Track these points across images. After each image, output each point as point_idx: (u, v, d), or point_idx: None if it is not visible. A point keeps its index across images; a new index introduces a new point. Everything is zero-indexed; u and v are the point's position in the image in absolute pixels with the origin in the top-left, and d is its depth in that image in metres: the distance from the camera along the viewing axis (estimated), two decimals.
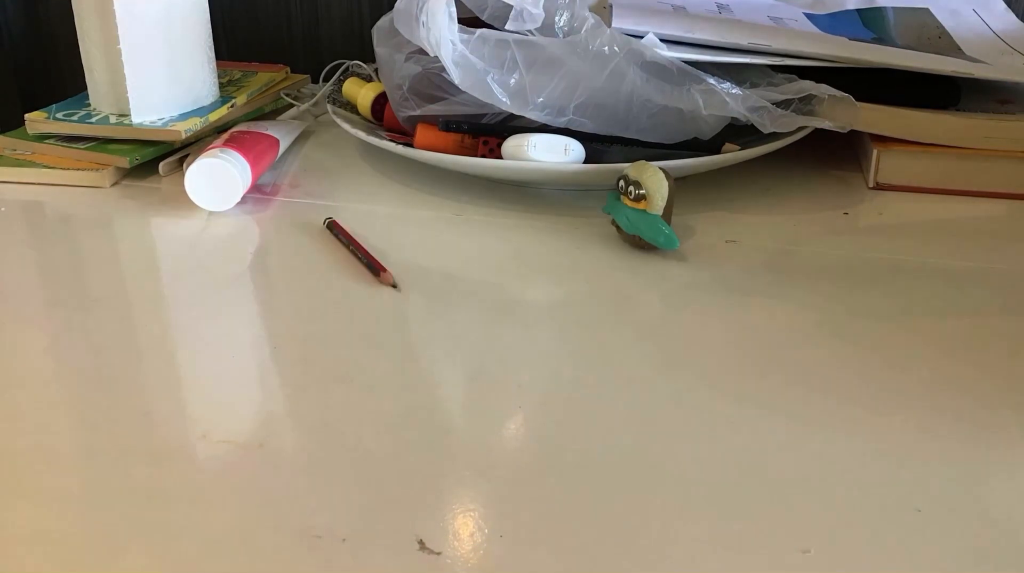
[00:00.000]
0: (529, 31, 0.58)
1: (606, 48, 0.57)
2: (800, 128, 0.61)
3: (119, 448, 0.37)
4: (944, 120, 0.63)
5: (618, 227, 0.55)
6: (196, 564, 0.31)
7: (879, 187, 0.64)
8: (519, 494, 0.34)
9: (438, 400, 0.40)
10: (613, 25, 0.62)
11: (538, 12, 0.58)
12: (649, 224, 0.53)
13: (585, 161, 0.59)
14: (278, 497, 0.34)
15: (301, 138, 0.75)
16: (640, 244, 0.54)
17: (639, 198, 0.52)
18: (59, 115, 0.69)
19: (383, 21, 0.66)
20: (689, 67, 0.59)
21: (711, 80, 0.58)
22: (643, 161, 0.54)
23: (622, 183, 0.53)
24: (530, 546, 0.32)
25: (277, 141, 0.68)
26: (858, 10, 0.78)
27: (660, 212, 0.52)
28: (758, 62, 0.62)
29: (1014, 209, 0.61)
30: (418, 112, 0.62)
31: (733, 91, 0.58)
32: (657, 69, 0.58)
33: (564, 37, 0.59)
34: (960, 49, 0.72)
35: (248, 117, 0.75)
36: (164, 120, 0.68)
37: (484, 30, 0.57)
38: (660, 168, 0.53)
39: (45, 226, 0.59)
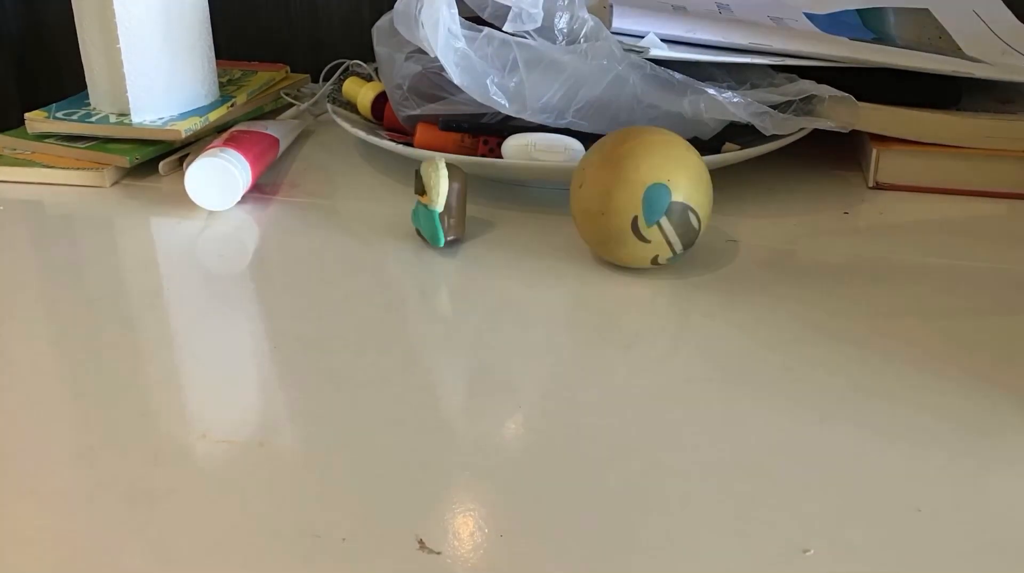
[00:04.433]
0: (527, 32, 0.58)
1: (604, 61, 0.57)
2: (801, 128, 0.61)
3: (119, 448, 0.37)
4: (944, 120, 0.63)
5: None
6: (196, 564, 0.31)
7: (879, 187, 0.64)
8: (519, 494, 0.34)
9: (438, 400, 0.40)
10: (613, 25, 0.62)
11: (537, 12, 0.57)
12: (427, 218, 0.53)
13: None
14: (278, 497, 0.34)
15: (301, 138, 0.75)
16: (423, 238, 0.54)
17: (421, 191, 0.53)
18: (59, 114, 0.69)
19: (383, 21, 0.66)
20: (691, 79, 0.58)
21: (711, 91, 0.58)
22: (435, 157, 0.54)
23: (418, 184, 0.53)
24: (530, 546, 0.32)
25: (277, 140, 0.68)
26: (858, 10, 0.78)
27: (440, 207, 0.52)
28: (758, 62, 0.62)
29: (1014, 209, 0.61)
30: (418, 111, 0.62)
31: (735, 100, 0.58)
32: (659, 81, 0.58)
33: (564, 39, 0.59)
34: (960, 49, 0.72)
35: (248, 116, 0.75)
36: (164, 119, 0.68)
37: (489, 30, 0.57)
38: (450, 163, 0.53)
39: (45, 226, 0.59)
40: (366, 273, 0.52)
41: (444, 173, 0.52)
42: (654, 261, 0.50)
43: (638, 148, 0.49)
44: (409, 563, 0.31)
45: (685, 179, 0.48)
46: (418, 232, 0.54)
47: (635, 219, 0.48)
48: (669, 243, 0.49)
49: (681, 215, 0.48)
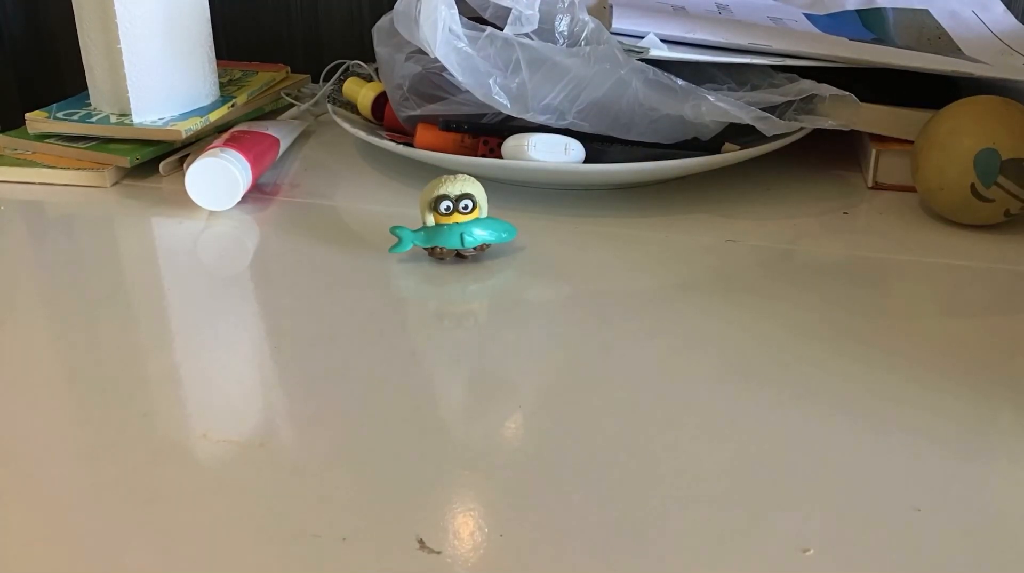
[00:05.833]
0: (526, 34, 0.58)
1: (607, 65, 0.57)
2: (801, 127, 0.61)
3: (119, 448, 0.37)
4: None
5: (431, 250, 0.53)
6: (196, 564, 0.31)
7: (879, 187, 0.64)
8: (519, 494, 0.34)
9: (438, 399, 0.40)
10: (613, 25, 0.62)
11: (532, 14, 0.58)
12: (493, 225, 0.53)
13: (585, 161, 0.59)
14: (278, 497, 0.34)
15: (301, 138, 0.75)
16: (463, 255, 0.53)
17: (470, 208, 0.52)
18: (59, 115, 0.69)
19: (383, 21, 0.66)
20: (692, 86, 0.58)
21: (711, 98, 0.58)
22: (446, 176, 0.52)
23: (448, 204, 0.51)
24: (530, 546, 0.32)
25: (277, 141, 0.68)
26: (858, 11, 0.79)
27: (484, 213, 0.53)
28: (758, 62, 0.62)
29: None
30: (418, 112, 0.62)
31: (736, 105, 0.58)
32: (660, 86, 0.58)
33: (565, 41, 0.59)
34: (960, 50, 0.72)
35: (248, 117, 0.75)
36: (164, 120, 0.68)
37: (492, 30, 0.57)
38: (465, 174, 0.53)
39: (45, 226, 0.59)
40: (366, 273, 0.52)
41: (472, 180, 0.52)
42: (1006, 214, 0.55)
43: (958, 121, 0.55)
44: (409, 563, 0.31)
45: (1010, 137, 0.54)
46: (433, 250, 0.53)
47: (972, 186, 0.54)
48: (1013, 195, 0.54)
49: (1016, 168, 0.53)
